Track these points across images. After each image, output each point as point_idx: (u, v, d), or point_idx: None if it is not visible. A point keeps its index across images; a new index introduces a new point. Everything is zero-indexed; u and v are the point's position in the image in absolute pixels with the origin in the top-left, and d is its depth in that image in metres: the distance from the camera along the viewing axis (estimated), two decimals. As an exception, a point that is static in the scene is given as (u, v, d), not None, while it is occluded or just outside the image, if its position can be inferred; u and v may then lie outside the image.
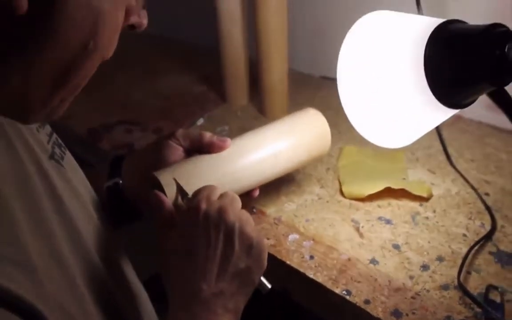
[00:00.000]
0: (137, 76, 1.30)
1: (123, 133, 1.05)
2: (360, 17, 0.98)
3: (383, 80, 0.53)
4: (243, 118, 1.07)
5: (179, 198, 0.59)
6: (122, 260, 0.63)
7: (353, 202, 0.79)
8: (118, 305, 0.55)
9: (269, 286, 0.55)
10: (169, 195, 0.58)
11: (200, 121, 1.07)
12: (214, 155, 0.64)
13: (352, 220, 0.76)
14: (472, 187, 0.80)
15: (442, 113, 0.51)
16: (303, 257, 0.70)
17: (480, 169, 0.85)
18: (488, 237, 0.71)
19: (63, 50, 0.40)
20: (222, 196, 0.55)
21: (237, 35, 1.04)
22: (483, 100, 1.05)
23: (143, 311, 0.62)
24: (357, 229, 0.74)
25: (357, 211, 0.77)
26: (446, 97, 0.48)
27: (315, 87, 1.15)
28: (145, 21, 0.47)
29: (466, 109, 0.50)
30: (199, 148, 0.65)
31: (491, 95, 0.48)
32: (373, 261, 0.68)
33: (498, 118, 0.99)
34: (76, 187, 0.56)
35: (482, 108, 0.99)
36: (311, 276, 0.67)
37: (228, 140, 0.65)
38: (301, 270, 0.68)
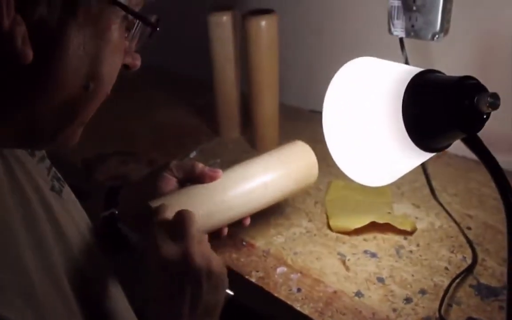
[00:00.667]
0: (132, 108, 1.33)
1: (117, 163, 1.08)
2: (347, 56, 1.02)
3: (365, 124, 0.56)
4: (235, 151, 1.10)
5: None
6: (117, 289, 0.65)
7: (340, 235, 0.82)
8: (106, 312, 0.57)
9: (231, 293, 0.57)
10: None
11: (193, 154, 1.10)
12: (206, 185, 0.67)
13: (339, 253, 0.78)
14: (455, 221, 0.83)
15: (420, 156, 0.55)
16: (290, 290, 0.72)
17: (463, 203, 0.88)
18: (469, 270, 0.74)
19: (64, 93, 0.42)
20: (186, 237, 0.53)
21: (230, 72, 1.08)
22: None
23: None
24: (343, 262, 0.76)
25: (343, 244, 0.80)
26: (423, 141, 0.52)
27: (305, 121, 1.18)
28: (138, 63, 0.50)
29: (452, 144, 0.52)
30: (192, 178, 0.68)
31: (464, 141, 0.51)
32: (358, 294, 0.71)
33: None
34: (74, 217, 0.59)
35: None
36: (298, 308, 0.69)
37: (220, 171, 0.68)
38: (289, 302, 0.70)
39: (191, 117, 1.28)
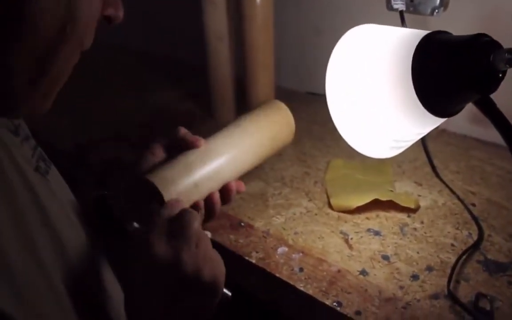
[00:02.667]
0: (125, 92, 1.31)
1: (110, 148, 1.05)
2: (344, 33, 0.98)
3: (371, 90, 0.53)
4: (230, 134, 1.07)
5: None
6: (106, 272, 0.62)
7: (342, 214, 0.79)
8: (100, 316, 0.54)
9: (229, 293, 0.54)
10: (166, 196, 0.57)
11: (187, 137, 1.06)
12: (195, 153, 0.63)
13: (341, 232, 0.76)
14: (458, 198, 0.81)
15: (430, 122, 0.52)
16: (292, 270, 0.69)
17: (466, 181, 0.86)
18: (475, 246, 0.72)
19: (39, 36, 0.40)
20: (182, 240, 0.49)
21: (223, 52, 1.05)
22: (467, 114, 1.07)
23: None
24: (346, 241, 0.74)
25: (345, 223, 0.78)
26: (434, 106, 0.49)
27: (301, 103, 1.16)
28: (120, 13, 0.47)
29: (450, 122, 0.50)
30: (175, 142, 0.64)
31: (477, 104, 0.49)
32: (363, 272, 0.68)
33: (482, 131, 1.01)
34: (61, 199, 0.55)
35: (466, 121, 1.01)
36: (301, 288, 0.67)
37: (201, 139, 0.64)
38: (291, 282, 0.68)
39: (185, 100, 1.25)
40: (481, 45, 0.46)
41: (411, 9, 0.87)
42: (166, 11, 1.39)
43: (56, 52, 0.42)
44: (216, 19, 1.02)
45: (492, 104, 0.49)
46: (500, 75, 0.46)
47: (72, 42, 0.42)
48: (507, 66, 0.44)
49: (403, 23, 0.84)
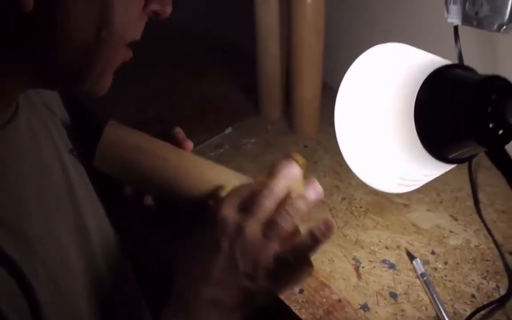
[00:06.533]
0: (177, 75, 1.32)
1: (154, 131, 1.07)
2: (400, 35, 0.91)
3: (376, 126, 0.49)
4: (271, 132, 1.05)
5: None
6: (123, 263, 0.64)
7: (360, 238, 0.75)
8: (112, 300, 0.56)
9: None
10: None
11: (228, 130, 1.06)
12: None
13: (354, 258, 0.71)
14: (495, 242, 0.73)
15: (437, 166, 0.47)
16: (292, 290, 0.67)
17: (511, 224, 0.77)
18: (500, 302, 0.64)
19: (77, 39, 0.40)
20: (250, 212, 0.49)
21: (273, 48, 1.02)
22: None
23: (138, 315, 0.63)
24: (356, 269, 0.70)
25: (361, 249, 0.73)
26: (437, 151, 0.44)
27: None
28: (167, 9, 0.46)
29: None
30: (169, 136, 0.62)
31: (487, 154, 0.43)
32: (364, 307, 0.64)
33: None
34: (88, 183, 0.59)
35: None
36: (296, 311, 0.64)
37: (190, 142, 0.61)
38: (287, 302, 0.65)
39: (234, 91, 1.24)
40: (490, 90, 0.39)
41: (475, 23, 0.78)
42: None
43: (97, 52, 0.42)
44: (268, 13, 0.99)
45: (504, 157, 0.43)
46: (512, 129, 0.40)
47: (111, 44, 0.43)
48: (516, 121, 0.38)
49: (456, 41, 0.76)
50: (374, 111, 0.49)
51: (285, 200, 0.50)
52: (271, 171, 0.52)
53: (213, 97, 1.21)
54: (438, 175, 0.50)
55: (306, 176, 0.52)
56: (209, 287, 0.48)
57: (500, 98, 0.39)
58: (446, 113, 0.42)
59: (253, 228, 0.48)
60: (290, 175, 0.50)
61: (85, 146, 0.63)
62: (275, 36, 1.01)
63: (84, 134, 0.63)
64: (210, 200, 0.55)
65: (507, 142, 0.41)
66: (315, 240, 0.49)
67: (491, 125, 0.39)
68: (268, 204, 0.49)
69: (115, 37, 0.42)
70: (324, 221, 0.49)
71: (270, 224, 0.48)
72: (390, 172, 0.51)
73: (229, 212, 0.49)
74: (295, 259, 0.48)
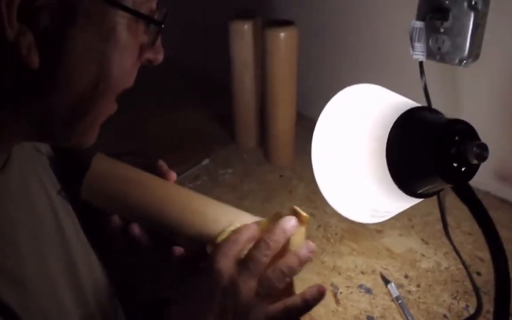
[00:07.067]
0: (151, 105, 1.34)
1: (128, 162, 1.08)
2: (371, 73, 0.96)
3: (350, 160, 0.52)
4: (248, 162, 1.08)
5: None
6: (110, 296, 0.65)
7: (337, 264, 0.78)
8: None
9: None
10: None
11: (206, 161, 1.08)
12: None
13: (332, 284, 0.74)
14: (464, 264, 0.77)
15: (407, 199, 0.50)
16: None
17: (477, 244, 0.82)
18: (470, 321, 0.68)
19: (73, 92, 0.43)
20: (245, 266, 0.51)
21: (248, 80, 1.06)
22: (493, 169, 1.02)
23: None
24: (335, 295, 0.73)
25: (338, 275, 0.76)
26: (407, 186, 0.47)
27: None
28: (160, 56, 0.49)
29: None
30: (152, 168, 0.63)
31: (453, 189, 0.47)
32: (344, 332, 0.67)
33: (508, 191, 0.95)
34: (76, 222, 0.61)
35: (492, 178, 0.96)
36: (278, 339, 0.66)
37: (173, 173, 0.63)
38: (269, 331, 0.67)
39: (211, 120, 1.27)
40: (454, 134, 0.43)
41: (438, 57, 0.84)
42: (200, 24, 1.42)
43: (92, 102, 0.44)
44: (243, 49, 1.03)
45: (467, 191, 0.47)
46: (474, 167, 0.44)
47: (107, 94, 0.45)
48: (476, 160, 0.42)
49: (422, 75, 0.81)
50: (349, 148, 0.53)
51: (280, 254, 0.52)
52: (271, 221, 0.54)
53: (187, 127, 1.24)
54: (409, 206, 0.53)
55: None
56: None
57: (462, 139, 0.43)
58: (415, 152, 0.46)
59: (247, 285, 0.49)
60: (289, 231, 0.53)
61: (70, 181, 0.64)
62: (250, 70, 1.05)
63: (67, 167, 0.65)
64: (207, 245, 0.56)
65: (469, 179, 0.44)
66: (306, 304, 0.51)
67: (455, 164, 0.43)
68: (264, 259, 0.51)
69: (111, 88, 0.45)
70: (318, 286, 0.52)
71: (264, 282, 0.50)
72: (364, 204, 0.55)
73: (225, 265, 0.50)
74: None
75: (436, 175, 0.45)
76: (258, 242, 0.51)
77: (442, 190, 0.50)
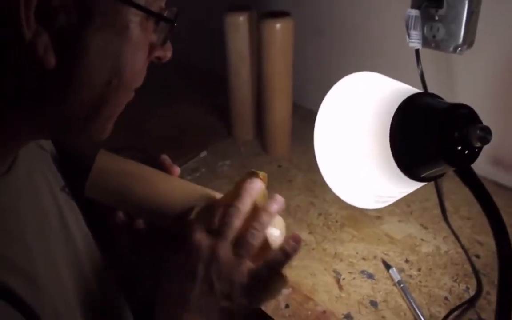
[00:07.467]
0: (149, 100, 1.34)
1: (129, 157, 1.08)
2: (366, 61, 0.97)
3: (354, 147, 0.53)
4: (245, 154, 1.09)
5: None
6: (114, 289, 0.66)
7: (338, 251, 0.79)
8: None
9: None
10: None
11: (204, 153, 1.09)
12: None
13: (334, 271, 0.76)
14: (463, 247, 0.79)
15: (409, 184, 0.51)
16: (278, 305, 0.70)
17: (475, 228, 0.84)
18: (470, 302, 0.69)
19: (89, 90, 0.43)
20: (220, 233, 0.53)
21: (244, 73, 1.06)
22: (488, 155, 1.03)
23: None
24: (337, 281, 0.74)
25: (340, 262, 0.77)
26: (410, 170, 0.48)
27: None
28: (169, 54, 0.50)
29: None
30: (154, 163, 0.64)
31: (456, 173, 0.48)
32: (348, 317, 0.68)
33: (503, 175, 0.97)
34: (81, 219, 0.62)
35: (487, 163, 0.98)
36: (284, 326, 0.67)
37: (177, 168, 0.64)
38: (275, 318, 0.68)
39: (207, 114, 1.27)
40: (457, 118, 0.44)
41: (433, 45, 0.85)
42: (199, 19, 1.42)
43: (106, 100, 0.45)
44: (238, 41, 1.03)
45: (470, 174, 0.48)
46: (477, 150, 0.45)
47: (120, 91, 0.46)
48: (479, 143, 0.43)
49: (418, 62, 0.82)
50: (352, 136, 0.53)
51: (252, 215, 0.54)
52: (236, 188, 0.56)
53: (185, 121, 1.24)
54: (412, 191, 0.54)
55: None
56: (190, 313, 0.50)
57: (465, 123, 0.44)
58: (418, 137, 0.47)
59: (224, 249, 0.51)
60: (254, 190, 0.55)
61: (72, 178, 0.65)
62: (245, 62, 1.05)
63: (69, 165, 0.65)
64: (180, 224, 0.57)
65: (472, 162, 0.46)
66: (285, 255, 0.53)
67: (458, 148, 0.44)
68: (236, 222, 0.53)
69: (124, 85, 0.45)
70: (293, 236, 0.55)
71: (240, 242, 0.52)
72: (368, 190, 0.56)
73: (200, 237, 0.52)
74: (269, 274, 0.52)
75: (439, 158, 0.46)
76: (228, 209, 0.53)
77: (444, 173, 0.51)
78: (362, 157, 0.53)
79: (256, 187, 0.55)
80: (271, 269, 0.52)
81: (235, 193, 0.54)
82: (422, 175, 0.49)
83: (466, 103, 0.46)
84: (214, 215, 0.54)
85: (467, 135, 0.43)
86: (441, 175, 0.51)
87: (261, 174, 0.56)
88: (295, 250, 0.54)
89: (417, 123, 0.47)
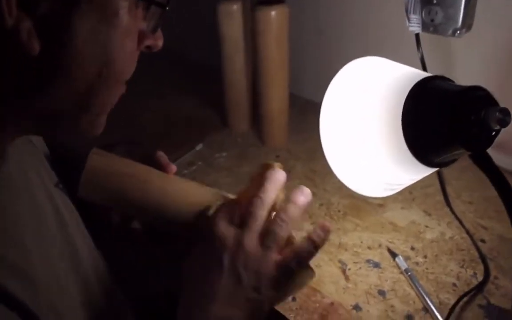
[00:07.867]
0: (142, 93, 1.31)
1: (123, 153, 1.06)
2: (364, 49, 0.95)
3: (363, 134, 0.51)
4: (242, 145, 1.07)
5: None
6: (114, 287, 0.64)
7: (343, 241, 0.78)
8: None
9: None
10: None
11: (199, 146, 1.07)
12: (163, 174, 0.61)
13: (340, 261, 0.74)
14: (468, 232, 0.78)
15: (422, 170, 0.50)
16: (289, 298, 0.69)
17: (478, 213, 0.83)
18: (479, 288, 0.69)
19: (78, 80, 0.41)
20: (245, 224, 0.51)
21: (239, 63, 1.04)
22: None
23: None
24: (344, 272, 0.72)
25: (345, 252, 0.76)
26: (423, 156, 0.47)
27: (317, 114, 1.14)
28: (160, 42, 0.48)
29: None
30: (151, 160, 0.63)
31: (471, 157, 0.46)
32: (356, 307, 0.67)
33: (504, 159, 0.96)
34: (77, 216, 0.60)
35: (490, 147, 0.97)
36: (291, 319, 0.66)
37: (173, 166, 0.62)
38: (281, 311, 0.67)
39: (202, 106, 1.24)
40: (473, 100, 0.43)
41: (431, 29, 0.83)
42: (190, 10, 1.39)
43: (95, 91, 0.43)
44: (233, 31, 1.01)
45: (486, 159, 0.46)
46: (494, 133, 0.44)
47: (110, 82, 0.44)
48: (498, 126, 0.41)
49: (418, 46, 0.81)
50: (361, 122, 0.52)
51: (274, 207, 0.52)
52: (252, 182, 0.54)
53: (180, 114, 1.22)
54: (423, 177, 0.53)
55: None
56: (217, 305, 0.49)
57: (482, 106, 0.42)
58: (432, 121, 0.45)
59: (251, 239, 0.50)
60: (278, 181, 0.53)
61: (65, 176, 0.62)
62: (240, 51, 1.03)
63: (62, 163, 0.63)
64: (200, 221, 0.56)
65: (489, 145, 0.44)
66: (314, 245, 0.52)
67: (474, 131, 0.43)
68: (261, 213, 0.51)
69: (114, 74, 0.44)
70: (321, 225, 0.53)
71: (267, 233, 0.51)
72: (377, 178, 0.54)
73: (225, 228, 0.51)
74: (296, 265, 0.51)
75: (455, 142, 0.44)
76: (252, 200, 0.52)
77: (457, 159, 0.49)
78: (371, 144, 0.51)
79: (279, 177, 0.53)
80: (298, 260, 0.51)
81: (256, 185, 0.53)
82: (436, 161, 0.48)
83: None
84: (235, 210, 0.52)
85: (485, 118, 0.42)
86: (454, 160, 0.50)
87: (277, 165, 0.55)
88: (323, 240, 0.52)
89: (430, 107, 0.46)
